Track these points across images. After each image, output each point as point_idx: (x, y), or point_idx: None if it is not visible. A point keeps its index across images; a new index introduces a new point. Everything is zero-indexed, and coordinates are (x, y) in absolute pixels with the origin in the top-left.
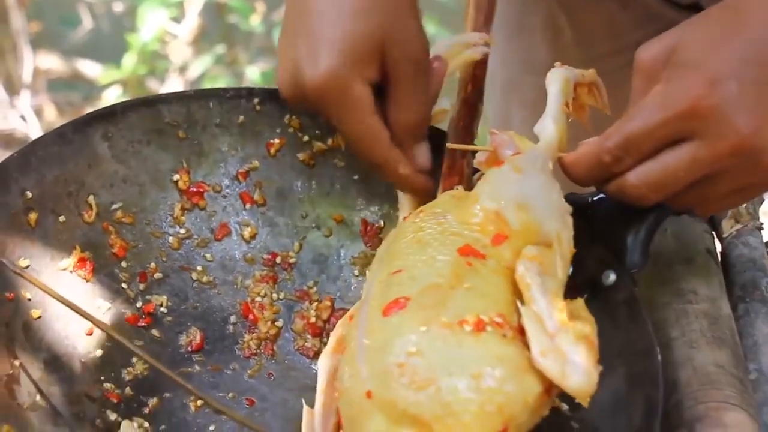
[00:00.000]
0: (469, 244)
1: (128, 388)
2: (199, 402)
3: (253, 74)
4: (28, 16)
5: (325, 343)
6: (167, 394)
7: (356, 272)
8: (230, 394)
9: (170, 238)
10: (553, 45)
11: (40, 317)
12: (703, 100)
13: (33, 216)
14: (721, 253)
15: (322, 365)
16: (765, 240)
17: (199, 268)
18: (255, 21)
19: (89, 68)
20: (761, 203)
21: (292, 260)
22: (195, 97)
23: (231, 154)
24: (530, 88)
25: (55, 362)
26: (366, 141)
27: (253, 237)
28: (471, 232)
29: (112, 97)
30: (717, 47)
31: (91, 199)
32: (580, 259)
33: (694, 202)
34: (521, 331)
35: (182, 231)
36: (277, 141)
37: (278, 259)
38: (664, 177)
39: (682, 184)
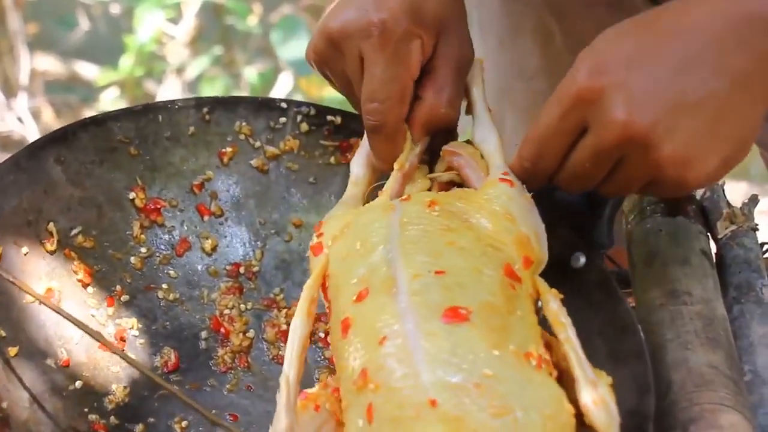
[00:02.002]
0: (509, 264)
1: (113, 417)
2: (184, 423)
3: (251, 75)
4: (25, 17)
5: None
6: (151, 419)
7: None
8: (213, 412)
9: (132, 258)
10: (545, 50)
11: (17, 354)
12: (586, 85)
13: None
14: (716, 254)
15: (297, 328)
16: (760, 241)
17: (164, 286)
18: (252, 22)
19: (86, 70)
20: (756, 204)
21: (255, 269)
22: (143, 112)
23: (184, 166)
24: (523, 93)
25: (39, 399)
26: (390, 102)
27: (214, 249)
28: (506, 249)
29: (109, 98)
30: (618, 39)
31: (50, 226)
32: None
33: (612, 189)
34: (553, 367)
35: (143, 250)
36: (229, 149)
37: (241, 269)
38: (577, 174)
39: (599, 174)
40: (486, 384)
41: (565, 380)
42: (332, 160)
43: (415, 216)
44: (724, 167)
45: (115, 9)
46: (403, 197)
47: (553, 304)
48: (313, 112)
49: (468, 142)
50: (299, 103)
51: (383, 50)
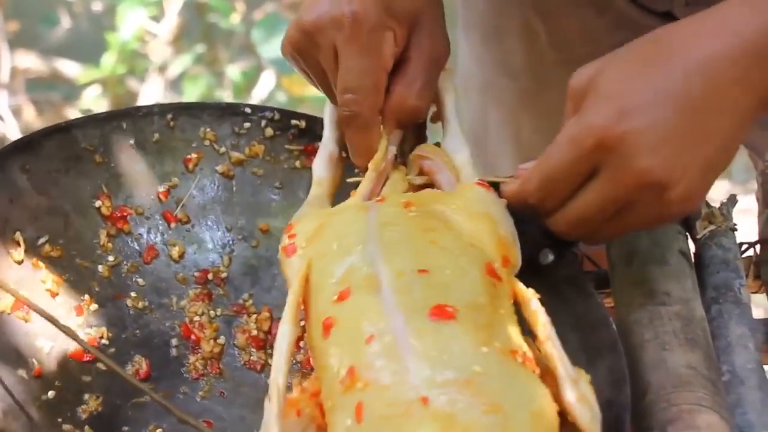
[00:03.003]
0: (490, 262)
1: (87, 426)
2: (159, 430)
3: (233, 73)
4: (5, 15)
5: (270, 354)
6: (125, 428)
7: None
8: None
9: (100, 267)
10: (529, 48)
11: None
12: (607, 133)
13: None
14: (694, 254)
15: (285, 335)
16: (738, 241)
17: (133, 294)
18: (235, 20)
19: (68, 68)
20: (734, 204)
21: (223, 275)
22: (108, 119)
23: (149, 173)
24: (507, 90)
25: (13, 411)
26: (364, 91)
27: (181, 256)
28: (486, 248)
29: (91, 96)
30: (631, 79)
31: (17, 235)
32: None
33: (614, 232)
34: (536, 365)
35: (111, 258)
36: (194, 155)
37: (210, 276)
38: (581, 217)
39: (600, 220)
40: (476, 381)
41: (545, 379)
42: (297, 164)
43: (393, 216)
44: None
45: (97, 6)
46: (378, 198)
47: (533, 303)
48: (277, 116)
49: (438, 144)
50: (263, 108)
51: (356, 42)
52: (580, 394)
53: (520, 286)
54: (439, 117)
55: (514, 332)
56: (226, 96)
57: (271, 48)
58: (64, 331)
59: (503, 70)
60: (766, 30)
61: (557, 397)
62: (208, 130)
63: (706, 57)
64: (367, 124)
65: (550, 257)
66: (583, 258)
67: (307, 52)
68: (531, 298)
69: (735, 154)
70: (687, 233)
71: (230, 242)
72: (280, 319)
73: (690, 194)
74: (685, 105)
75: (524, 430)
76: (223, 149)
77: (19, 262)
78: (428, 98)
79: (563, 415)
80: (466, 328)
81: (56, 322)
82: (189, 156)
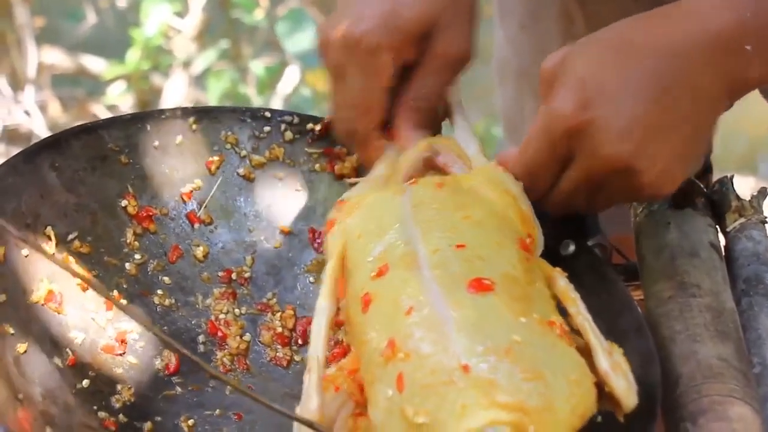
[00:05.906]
0: (522, 237)
1: (121, 415)
2: (190, 422)
3: (257, 69)
4: (32, 11)
5: (295, 351)
6: (158, 418)
7: (312, 279)
8: (217, 411)
9: (127, 265)
10: (566, 35)
11: (26, 351)
12: (575, 120)
13: (1, 250)
14: (724, 246)
15: (324, 309)
16: None
17: (159, 292)
18: (259, 15)
19: (93, 63)
20: (765, 197)
21: (246, 275)
22: (132, 121)
23: (173, 175)
24: None
25: (51, 395)
26: (361, 110)
27: (205, 256)
28: (515, 223)
29: (116, 92)
30: (599, 67)
31: (48, 230)
32: None
33: (597, 207)
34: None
35: (138, 256)
36: (216, 158)
37: (233, 275)
38: (566, 201)
39: (583, 198)
40: (516, 349)
41: (580, 354)
42: (317, 167)
43: (427, 196)
44: (688, 174)
45: (121, 2)
46: (411, 181)
47: (561, 281)
48: (296, 120)
49: None
50: (282, 112)
51: (355, 61)
52: (614, 363)
53: (547, 265)
54: (447, 112)
55: (551, 305)
56: (250, 92)
57: (296, 43)
58: (119, 307)
59: (540, 57)
60: (735, 23)
61: (592, 369)
62: (229, 133)
63: (675, 45)
64: (363, 140)
65: (571, 248)
66: (612, 250)
67: (324, 57)
68: (558, 275)
69: (708, 140)
70: (717, 225)
71: (253, 243)
72: (304, 317)
73: (663, 179)
74: (654, 92)
75: (564, 396)
76: (244, 152)
77: (50, 256)
78: (435, 100)
79: (600, 387)
80: (504, 299)
81: (110, 297)
82: (211, 159)
